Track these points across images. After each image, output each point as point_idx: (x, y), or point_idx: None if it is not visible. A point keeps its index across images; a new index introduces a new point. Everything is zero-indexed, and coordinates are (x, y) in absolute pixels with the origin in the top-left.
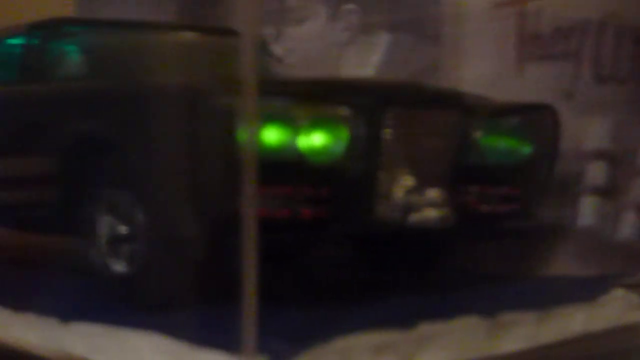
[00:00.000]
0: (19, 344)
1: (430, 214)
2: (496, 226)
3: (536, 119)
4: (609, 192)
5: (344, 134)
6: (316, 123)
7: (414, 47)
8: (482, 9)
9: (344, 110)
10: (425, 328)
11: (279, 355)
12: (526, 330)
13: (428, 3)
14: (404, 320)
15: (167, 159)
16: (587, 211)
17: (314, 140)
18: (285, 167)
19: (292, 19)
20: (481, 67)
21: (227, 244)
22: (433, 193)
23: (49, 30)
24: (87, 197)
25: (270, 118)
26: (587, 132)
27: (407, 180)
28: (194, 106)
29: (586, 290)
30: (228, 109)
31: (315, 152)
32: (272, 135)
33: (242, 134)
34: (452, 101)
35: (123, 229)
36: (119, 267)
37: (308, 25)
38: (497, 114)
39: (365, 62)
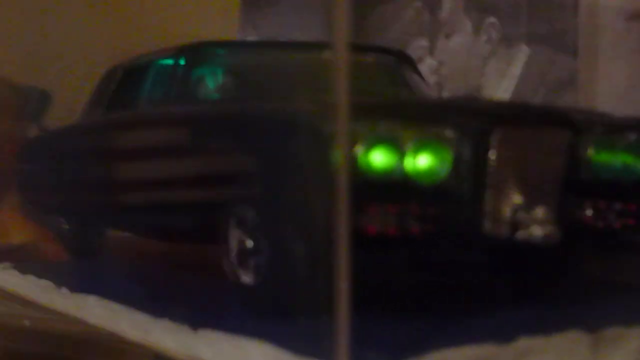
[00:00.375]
0: (157, 347)
1: (537, 231)
2: (613, 241)
3: None
4: None
5: (448, 156)
6: (421, 145)
7: (551, 60)
8: (616, 21)
9: (448, 132)
10: (525, 342)
11: None
12: (635, 344)
13: (565, 15)
14: (504, 334)
15: (290, 180)
16: None
17: (419, 161)
18: (392, 187)
19: (442, 32)
20: (615, 80)
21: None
22: (540, 210)
23: (193, 53)
24: (222, 211)
25: (377, 140)
26: None
27: (515, 199)
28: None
29: None
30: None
31: (420, 173)
32: (378, 156)
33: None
34: (560, 119)
35: (250, 243)
36: (246, 277)
37: (455, 38)
38: (613, 131)
39: (505, 74)
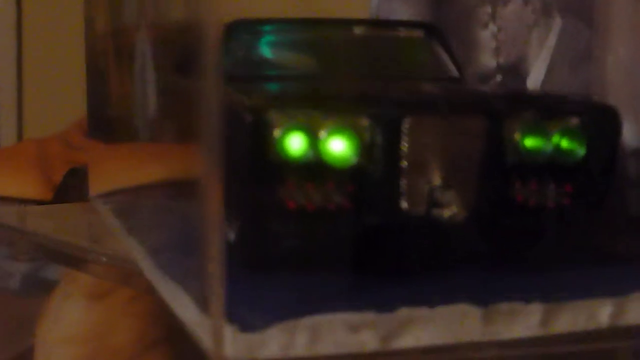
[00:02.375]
0: None
1: (445, 211)
2: (545, 220)
3: (594, 120)
4: None
5: (359, 142)
6: (333, 132)
7: (578, 31)
8: None
9: (361, 121)
10: (407, 312)
11: (247, 325)
12: (531, 319)
13: None
14: (385, 304)
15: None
16: None
17: (332, 146)
18: (309, 167)
19: (501, 0)
20: (619, 55)
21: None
22: (450, 192)
23: (230, 29)
24: None
25: (294, 126)
26: None
27: (431, 180)
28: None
29: (619, 282)
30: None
31: (333, 156)
32: (295, 140)
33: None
34: (475, 107)
35: None
36: None
37: (510, 6)
38: (549, 114)
39: (544, 45)
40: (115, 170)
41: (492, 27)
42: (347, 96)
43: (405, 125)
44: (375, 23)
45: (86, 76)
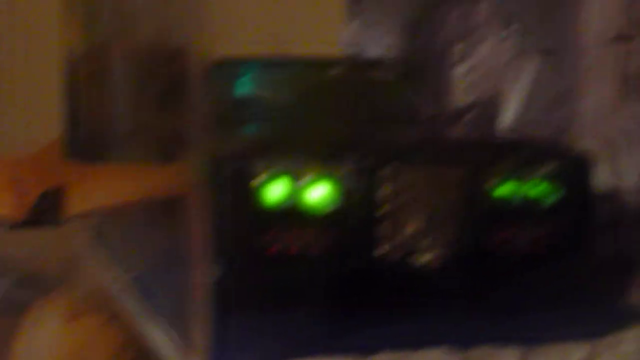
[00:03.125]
0: None
1: (421, 258)
2: (521, 267)
3: (567, 168)
4: None
5: (339, 190)
6: (314, 180)
7: (553, 72)
8: (600, 42)
9: (341, 169)
10: (386, 356)
11: None
12: None
13: (570, 31)
14: (364, 348)
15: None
16: None
17: (313, 194)
18: (290, 214)
19: (475, 38)
20: (592, 99)
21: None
22: (427, 240)
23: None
24: None
25: (276, 174)
26: None
27: (408, 228)
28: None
29: (593, 325)
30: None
31: (314, 203)
32: (277, 188)
33: None
34: (452, 157)
35: None
36: None
37: (486, 43)
38: (524, 163)
39: (519, 84)
40: (93, 191)
41: (466, 64)
42: (327, 143)
43: (385, 173)
44: (352, 63)
45: (63, 96)
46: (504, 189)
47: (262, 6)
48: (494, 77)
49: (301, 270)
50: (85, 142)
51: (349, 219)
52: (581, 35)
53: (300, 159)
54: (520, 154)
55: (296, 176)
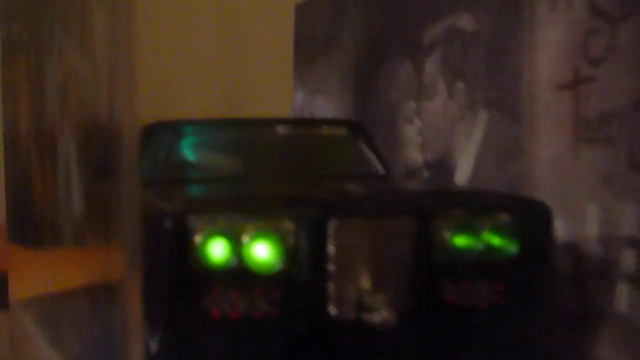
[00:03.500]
0: None
1: (375, 316)
2: (479, 320)
3: (524, 217)
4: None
5: (284, 246)
6: (256, 237)
7: (503, 126)
8: (549, 90)
9: (284, 224)
10: None
11: None
12: None
13: (515, 82)
14: None
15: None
16: (618, 299)
17: (256, 252)
18: (232, 275)
19: (425, 95)
20: (546, 149)
21: None
22: (380, 296)
23: (150, 131)
24: None
25: (215, 232)
26: (621, 218)
27: (360, 284)
28: None
29: None
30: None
31: (258, 262)
32: (217, 247)
33: None
34: (403, 208)
35: None
36: None
37: (436, 101)
38: (479, 212)
39: (470, 139)
40: (37, 276)
41: (418, 122)
42: (269, 198)
43: (331, 227)
44: (299, 121)
45: (5, 179)
46: (461, 239)
47: (213, 71)
48: (445, 135)
49: (247, 334)
50: (31, 225)
51: (297, 278)
52: (531, 83)
53: (242, 216)
54: (476, 202)
55: (238, 233)
